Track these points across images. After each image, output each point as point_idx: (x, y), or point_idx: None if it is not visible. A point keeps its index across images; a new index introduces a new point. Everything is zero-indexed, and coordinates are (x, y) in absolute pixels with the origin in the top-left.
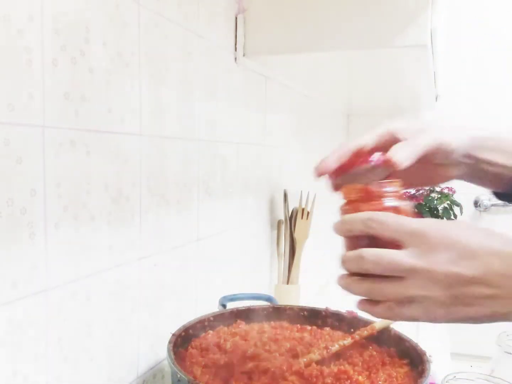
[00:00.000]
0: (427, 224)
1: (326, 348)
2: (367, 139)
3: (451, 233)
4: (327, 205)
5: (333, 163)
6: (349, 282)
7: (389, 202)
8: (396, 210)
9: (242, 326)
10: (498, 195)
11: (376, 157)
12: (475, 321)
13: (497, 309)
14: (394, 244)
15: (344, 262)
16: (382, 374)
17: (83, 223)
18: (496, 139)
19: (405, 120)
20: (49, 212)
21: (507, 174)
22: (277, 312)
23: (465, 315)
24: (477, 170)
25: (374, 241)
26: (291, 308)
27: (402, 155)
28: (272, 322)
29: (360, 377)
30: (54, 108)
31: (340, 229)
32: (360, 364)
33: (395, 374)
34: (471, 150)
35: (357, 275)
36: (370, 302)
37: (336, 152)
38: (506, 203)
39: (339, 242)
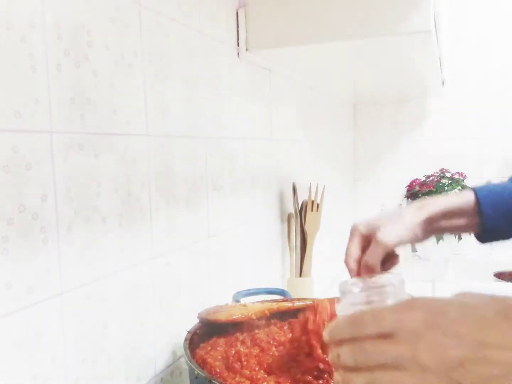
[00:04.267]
0: (408, 310)
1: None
2: (354, 252)
3: (430, 314)
4: (336, 197)
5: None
6: (347, 378)
7: None
8: None
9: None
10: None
11: None
12: None
13: None
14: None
15: (338, 356)
16: None
17: (95, 226)
18: (444, 212)
19: (364, 221)
20: (60, 216)
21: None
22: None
23: None
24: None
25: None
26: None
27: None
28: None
29: None
30: (61, 113)
31: (331, 335)
32: None
33: None
34: (435, 229)
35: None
36: None
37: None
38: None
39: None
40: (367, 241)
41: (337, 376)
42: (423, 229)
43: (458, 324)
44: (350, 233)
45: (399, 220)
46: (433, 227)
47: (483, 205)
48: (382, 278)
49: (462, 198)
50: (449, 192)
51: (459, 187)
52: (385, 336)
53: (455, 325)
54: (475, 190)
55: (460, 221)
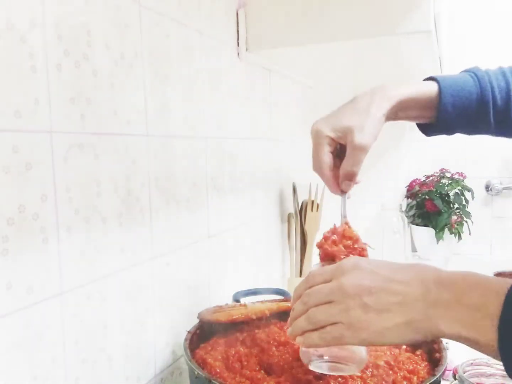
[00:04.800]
0: (344, 260)
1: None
2: (327, 159)
3: (358, 261)
4: (336, 197)
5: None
6: (294, 323)
7: None
8: None
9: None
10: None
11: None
12: (396, 332)
13: (405, 314)
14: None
15: (293, 310)
16: (404, 365)
17: (95, 226)
18: (405, 103)
19: (323, 119)
20: (60, 217)
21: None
22: None
23: (383, 325)
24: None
25: None
26: None
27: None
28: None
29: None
30: (61, 113)
31: (293, 296)
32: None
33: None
34: (391, 118)
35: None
36: (306, 335)
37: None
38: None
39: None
40: (334, 144)
41: (288, 329)
42: (384, 121)
43: (375, 267)
44: (315, 138)
45: (367, 116)
46: (391, 117)
47: (444, 100)
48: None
49: (425, 90)
50: (449, 192)
51: (459, 187)
52: (327, 281)
53: (373, 267)
54: (439, 83)
55: (416, 113)
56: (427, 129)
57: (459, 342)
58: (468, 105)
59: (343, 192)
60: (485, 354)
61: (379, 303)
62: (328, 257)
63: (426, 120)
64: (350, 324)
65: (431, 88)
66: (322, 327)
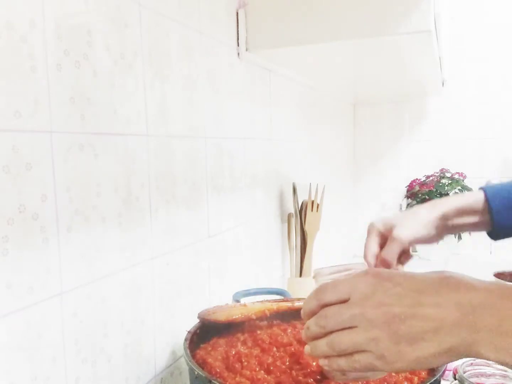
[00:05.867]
0: (360, 277)
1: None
2: (373, 248)
3: (377, 280)
4: (336, 197)
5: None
6: (313, 344)
7: None
8: None
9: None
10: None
11: None
12: (432, 361)
13: (442, 342)
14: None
15: (307, 328)
16: None
17: (95, 226)
18: (456, 209)
19: (380, 219)
20: (60, 216)
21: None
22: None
23: (418, 355)
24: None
25: None
26: None
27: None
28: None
29: None
30: (61, 113)
31: (303, 311)
32: None
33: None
34: (442, 230)
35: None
36: (332, 360)
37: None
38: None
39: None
40: (384, 238)
41: (306, 347)
42: (437, 227)
43: (400, 287)
44: (368, 230)
45: (414, 218)
46: (447, 225)
47: (492, 201)
48: (350, 265)
49: (473, 197)
50: (449, 192)
51: (459, 187)
52: (343, 300)
53: (398, 288)
54: (484, 188)
55: (472, 219)
56: (493, 234)
57: (503, 366)
58: None
59: None
60: None
61: (411, 332)
62: None
63: (486, 225)
64: (381, 355)
65: (479, 194)
66: (349, 353)
